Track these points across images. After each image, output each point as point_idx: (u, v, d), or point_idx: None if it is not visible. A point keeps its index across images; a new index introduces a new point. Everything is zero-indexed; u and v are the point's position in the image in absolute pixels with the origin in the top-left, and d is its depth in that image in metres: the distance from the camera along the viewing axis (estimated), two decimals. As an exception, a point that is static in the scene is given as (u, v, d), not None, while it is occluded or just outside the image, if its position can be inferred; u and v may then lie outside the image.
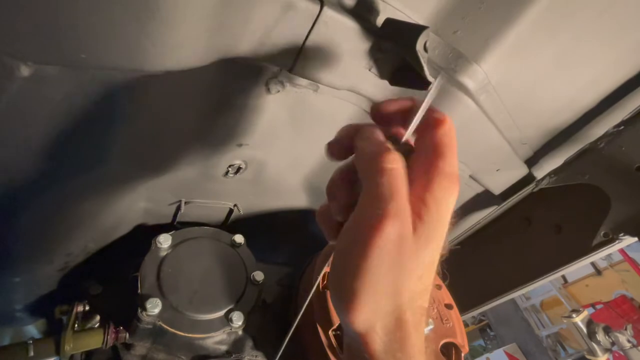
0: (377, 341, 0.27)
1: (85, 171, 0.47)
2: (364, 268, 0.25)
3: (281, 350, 0.44)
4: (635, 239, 0.61)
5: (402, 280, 0.26)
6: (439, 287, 0.76)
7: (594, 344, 1.31)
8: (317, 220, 0.34)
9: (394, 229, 0.25)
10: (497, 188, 0.76)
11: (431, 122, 0.29)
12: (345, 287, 0.26)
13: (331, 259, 0.29)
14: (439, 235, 0.27)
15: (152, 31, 0.25)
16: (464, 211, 0.85)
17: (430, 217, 0.26)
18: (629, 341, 1.41)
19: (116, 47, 0.25)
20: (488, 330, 5.71)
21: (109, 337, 0.57)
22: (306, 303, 0.40)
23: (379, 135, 0.29)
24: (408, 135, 0.30)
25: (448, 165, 0.28)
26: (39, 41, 0.24)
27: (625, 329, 1.42)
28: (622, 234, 0.61)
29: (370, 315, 0.26)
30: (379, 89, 0.50)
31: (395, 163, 0.26)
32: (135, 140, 0.47)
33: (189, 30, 0.27)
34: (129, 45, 0.25)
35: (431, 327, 0.64)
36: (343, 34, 0.40)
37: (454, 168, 0.28)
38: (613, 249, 0.64)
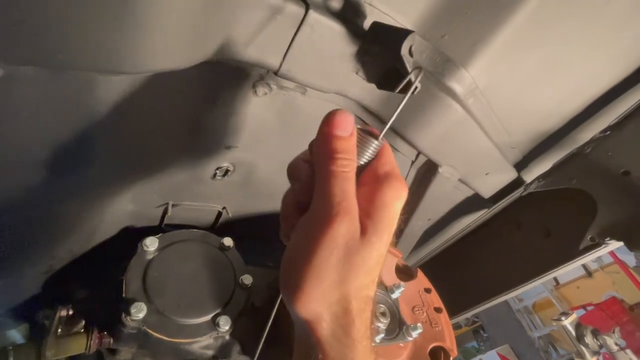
0: (324, 327, 0.29)
1: (68, 173, 0.46)
2: (313, 260, 0.27)
3: (260, 347, 0.43)
4: (621, 243, 0.61)
5: (349, 274, 0.28)
6: (428, 290, 0.76)
7: (582, 347, 1.32)
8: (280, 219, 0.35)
9: (343, 226, 0.27)
10: (487, 192, 0.76)
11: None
12: (295, 277, 0.28)
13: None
14: (386, 233, 0.30)
15: (130, 34, 0.24)
16: (454, 214, 0.85)
17: (378, 217, 0.29)
18: (616, 344, 1.43)
19: (93, 48, 0.24)
20: (481, 331, 5.74)
21: (92, 342, 0.56)
22: (277, 304, 0.40)
23: (343, 131, 0.30)
24: (385, 130, 0.33)
25: (389, 167, 0.31)
26: (10, 41, 0.23)
27: (613, 332, 1.43)
28: (608, 238, 0.61)
29: (317, 303, 0.28)
30: (367, 92, 0.50)
31: (346, 167, 0.29)
32: (120, 142, 0.46)
33: (169, 33, 0.27)
34: (106, 47, 0.25)
35: (420, 330, 0.64)
36: (329, 37, 0.40)
37: (394, 168, 0.32)
38: (599, 253, 0.65)
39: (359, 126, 0.32)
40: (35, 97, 0.32)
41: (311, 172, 0.32)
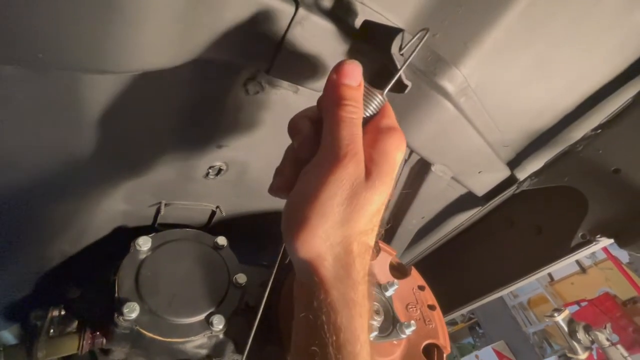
0: (327, 266, 0.29)
1: (58, 172, 0.46)
2: (319, 198, 0.28)
3: (249, 342, 0.43)
4: (612, 240, 0.62)
5: (353, 215, 0.29)
6: (422, 288, 0.76)
7: (574, 343, 1.34)
8: (274, 175, 0.36)
9: (351, 166, 0.28)
10: (480, 190, 0.77)
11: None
12: (299, 217, 0.29)
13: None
14: (388, 180, 0.31)
15: (114, 31, 0.24)
16: (448, 212, 0.86)
17: (381, 162, 0.31)
18: (607, 339, 1.45)
19: (75, 47, 0.24)
20: (477, 328, 5.79)
21: (84, 342, 0.56)
22: (265, 296, 0.40)
23: (353, 79, 0.31)
24: (389, 87, 0.36)
25: (391, 121, 0.34)
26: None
27: (605, 328, 1.45)
28: (599, 235, 0.62)
29: (320, 242, 0.28)
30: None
31: (354, 114, 0.30)
32: (109, 141, 0.46)
33: (154, 31, 0.26)
34: (89, 45, 0.24)
35: (413, 328, 0.64)
36: (320, 36, 0.39)
37: (395, 123, 0.34)
38: (590, 250, 0.65)
39: (365, 82, 0.33)
40: (18, 96, 0.32)
41: (313, 127, 0.33)
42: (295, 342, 0.32)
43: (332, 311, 0.28)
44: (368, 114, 0.34)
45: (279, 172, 0.35)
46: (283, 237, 0.31)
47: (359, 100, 0.31)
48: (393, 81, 0.35)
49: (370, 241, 0.32)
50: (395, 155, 0.32)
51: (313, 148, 0.32)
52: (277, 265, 0.39)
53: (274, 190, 0.35)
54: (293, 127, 0.35)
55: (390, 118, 0.34)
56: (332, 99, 0.31)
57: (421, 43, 0.36)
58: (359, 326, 0.30)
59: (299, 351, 0.31)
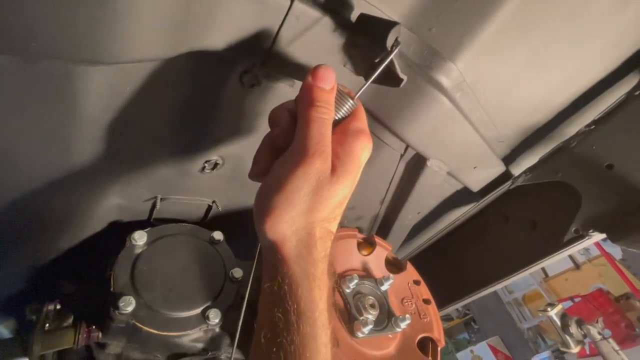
0: (289, 246, 0.33)
1: (51, 165, 0.45)
2: (287, 188, 0.32)
3: (236, 339, 0.44)
4: (604, 235, 0.63)
5: (317, 205, 0.33)
6: (417, 282, 0.77)
7: (567, 336, 1.37)
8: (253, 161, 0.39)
9: (318, 162, 0.32)
10: (475, 185, 0.77)
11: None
12: (268, 203, 0.32)
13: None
14: (352, 177, 0.35)
15: (106, 21, 0.24)
16: (443, 207, 0.86)
17: (346, 160, 0.34)
18: (599, 333, 1.47)
19: (68, 36, 0.24)
20: (472, 323, 5.85)
21: (80, 336, 0.56)
22: (249, 285, 0.42)
23: (326, 82, 0.35)
24: (360, 92, 0.39)
25: (360, 124, 0.37)
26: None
27: (597, 322, 1.48)
28: (591, 230, 0.63)
29: (285, 226, 0.32)
30: (355, 85, 0.50)
31: (324, 115, 0.33)
32: (104, 135, 0.46)
33: (148, 21, 0.26)
34: (81, 35, 0.24)
35: (408, 322, 0.65)
36: (316, 29, 0.39)
37: (364, 125, 0.37)
38: (583, 244, 0.66)
39: (339, 85, 0.36)
40: (11, 87, 0.32)
41: (291, 120, 0.36)
42: (261, 310, 0.35)
43: (294, 283, 0.32)
44: (340, 116, 0.37)
45: (258, 159, 0.38)
46: (254, 221, 0.35)
47: (330, 102, 0.34)
48: (365, 85, 0.38)
49: (332, 228, 0.35)
50: (360, 155, 0.35)
51: (289, 139, 0.35)
52: (256, 255, 0.41)
53: (252, 175, 0.39)
54: (273, 118, 0.38)
55: (361, 121, 0.37)
56: (306, 99, 0.34)
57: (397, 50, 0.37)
58: (317, 296, 0.33)
59: (264, 317, 0.34)
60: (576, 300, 4.47)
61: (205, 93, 0.47)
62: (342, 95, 0.37)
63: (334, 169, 0.33)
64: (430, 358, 0.68)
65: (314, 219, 0.33)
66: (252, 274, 0.46)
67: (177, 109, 0.48)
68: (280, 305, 0.32)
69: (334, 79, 0.35)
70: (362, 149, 0.35)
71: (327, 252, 0.35)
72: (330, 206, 0.33)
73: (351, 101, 0.37)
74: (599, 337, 1.45)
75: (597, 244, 4.43)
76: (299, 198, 0.32)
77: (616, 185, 0.60)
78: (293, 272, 0.33)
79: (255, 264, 0.44)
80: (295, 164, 0.32)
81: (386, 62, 0.37)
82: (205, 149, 0.56)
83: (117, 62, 0.29)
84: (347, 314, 0.63)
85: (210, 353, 0.61)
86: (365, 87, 0.38)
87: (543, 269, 5.35)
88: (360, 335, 0.60)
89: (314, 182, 0.32)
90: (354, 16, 0.42)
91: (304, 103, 0.34)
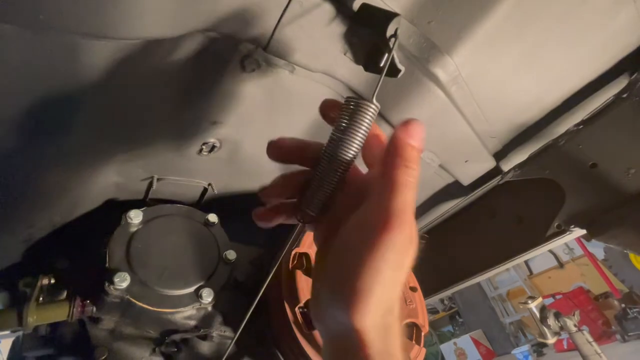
0: (375, 343, 0.28)
1: (49, 140, 0.46)
2: (373, 266, 0.27)
3: (245, 320, 0.45)
4: (584, 230, 0.66)
5: (400, 277, 0.29)
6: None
7: (545, 328, 1.43)
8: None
9: (405, 232, 0.28)
10: (466, 179, 0.79)
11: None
12: (352, 284, 0.28)
13: (303, 239, 0.31)
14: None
15: (117, -4, 0.24)
16: (434, 200, 0.88)
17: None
18: (575, 325, 1.54)
19: (77, 10, 0.24)
20: (457, 317, 6.01)
21: (75, 309, 0.57)
22: (269, 278, 0.41)
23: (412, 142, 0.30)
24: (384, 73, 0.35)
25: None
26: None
27: (574, 315, 1.55)
28: (572, 226, 0.65)
29: (374, 313, 0.28)
30: (355, 74, 0.51)
31: (415, 177, 0.29)
32: (104, 111, 0.46)
33: (156, -2, 0.27)
34: (90, 9, 0.25)
35: (395, 307, 0.67)
36: (318, 16, 0.40)
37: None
38: (564, 239, 0.69)
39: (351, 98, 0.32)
40: (14, 56, 0.32)
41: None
42: None
43: None
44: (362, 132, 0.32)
45: (272, 192, 0.37)
46: (331, 306, 0.30)
47: (419, 162, 0.30)
48: (388, 62, 0.35)
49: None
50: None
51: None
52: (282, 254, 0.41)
53: (257, 217, 0.38)
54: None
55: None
56: (397, 159, 0.29)
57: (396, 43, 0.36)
58: None
59: None
60: (557, 297, 4.63)
61: (205, 75, 0.47)
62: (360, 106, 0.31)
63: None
64: (414, 342, 0.71)
65: (396, 295, 0.29)
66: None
67: (177, 90, 0.48)
68: None
69: (423, 135, 0.30)
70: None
71: (402, 329, 0.31)
72: (407, 271, 0.29)
73: (372, 107, 0.32)
74: (574, 329, 1.52)
75: (581, 244, 4.56)
76: (385, 275, 0.28)
77: (598, 184, 0.63)
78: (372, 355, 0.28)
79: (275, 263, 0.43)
80: (379, 234, 0.27)
81: (390, 56, 0.35)
82: (203, 131, 0.57)
83: (122, 38, 0.30)
84: (336, 298, 0.66)
85: (202, 330, 0.63)
86: (378, 87, 0.34)
87: (528, 267, 5.50)
88: (348, 317, 0.63)
89: (398, 254, 0.28)
90: (355, 5, 0.42)
91: (394, 163, 0.29)
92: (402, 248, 0.28)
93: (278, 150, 0.36)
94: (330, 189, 0.34)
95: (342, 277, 0.29)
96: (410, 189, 0.29)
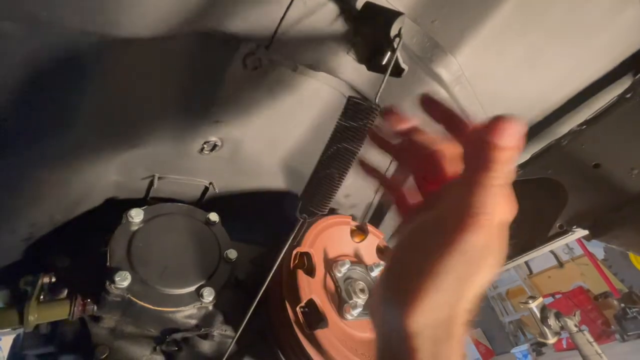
0: (424, 350, 0.26)
1: (49, 137, 0.45)
2: (433, 270, 0.25)
3: (246, 319, 0.45)
4: (587, 231, 0.65)
5: (464, 291, 0.26)
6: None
7: (545, 328, 1.43)
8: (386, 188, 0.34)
9: (481, 236, 0.25)
10: (468, 179, 0.79)
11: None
12: (410, 285, 0.26)
13: (304, 239, 0.30)
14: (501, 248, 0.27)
15: (119, -6, 0.24)
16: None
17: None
18: (575, 326, 1.55)
19: (78, 7, 0.24)
20: (456, 316, 6.01)
21: (75, 308, 0.56)
22: (269, 277, 0.41)
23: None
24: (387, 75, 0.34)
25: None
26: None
27: (574, 315, 1.55)
28: (575, 226, 0.65)
29: (427, 318, 0.26)
30: (358, 73, 0.50)
31: (501, 180, 0.25)
32: (106, 108, 0.46)
33: (158, -4, 0.26)
34: (92, 6, 0.24)
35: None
36: (322, 15, 0.40)
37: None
38: (566, 240, 0.69)
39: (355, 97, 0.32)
40: (16, 52, 0.32)
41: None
42: None
43: None
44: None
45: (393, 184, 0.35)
46: (385, 306, 0.28)
47: (511, 163, 0.25)
48: (392, 62, 0.35)
49: (470, 318, 0.28)
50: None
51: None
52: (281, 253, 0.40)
53: (367, 170, 0.35)
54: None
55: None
56: (479, 160, 0.25)
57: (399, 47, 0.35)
58: None
59: None
60: (557, 297, 4.63)
61: (207, 74, 0.47)
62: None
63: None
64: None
65: (457, 310, 0.26)
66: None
67: (179, 89, 0.48)
68: None
69: (515, 132, 0.24)
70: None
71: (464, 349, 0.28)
72: (477, 288, 0.27)
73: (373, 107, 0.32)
74: (575, 329, 1.53)
75: (581, 244, 4.56)
76: (448, 283, 0.25)
77: (601, 184, 0.62)
78: None
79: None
80: (444, 235, 0.25)
81: (394, 56, 0.35)
82: (205, 129, 0.57)
83: (124, 36, 0.30)
84: (338, 297, 0.65)
85: (202, 329, 0.63)
86: (382, 87, 0.34)
87: (528, 266, 5.51)
88: (349, 317, 0.63)
89: (468, 263, 0.25)
90: (359, 4, 0.42)
91: (476, 165, 0.25)
92: (472, 256, 0.25)
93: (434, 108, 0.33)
94: (332, 188, 0.33)
95: (401, 276, 0.28)
96: (490, 191, 0.25)
